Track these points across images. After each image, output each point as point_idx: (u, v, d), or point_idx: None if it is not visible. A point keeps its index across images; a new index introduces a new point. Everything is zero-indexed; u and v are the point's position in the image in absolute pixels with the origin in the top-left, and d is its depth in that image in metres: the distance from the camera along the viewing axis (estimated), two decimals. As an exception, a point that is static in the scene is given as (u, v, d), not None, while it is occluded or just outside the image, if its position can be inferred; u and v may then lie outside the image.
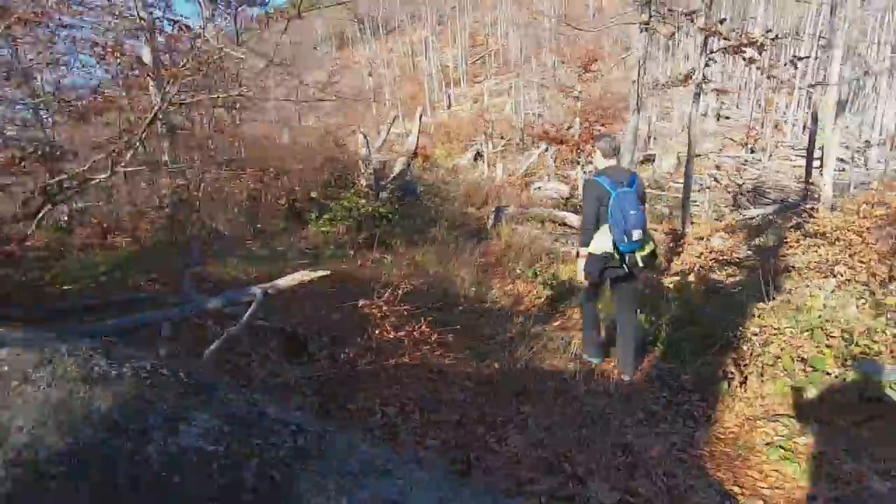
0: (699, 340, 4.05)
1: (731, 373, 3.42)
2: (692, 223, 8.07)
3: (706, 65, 7.33)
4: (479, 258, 7.12)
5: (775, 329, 3.89)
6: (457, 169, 25.30)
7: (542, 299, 5.57)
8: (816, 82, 13.50)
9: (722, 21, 6.81)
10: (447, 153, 27.71)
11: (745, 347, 3.78)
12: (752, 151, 29.56)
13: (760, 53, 6.96)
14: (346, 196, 7.40)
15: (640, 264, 3.55)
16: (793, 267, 7.35)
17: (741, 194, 18.17)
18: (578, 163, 11.22)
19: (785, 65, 8.21)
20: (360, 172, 7.76)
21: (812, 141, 15.59)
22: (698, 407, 3.17)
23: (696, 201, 20.45)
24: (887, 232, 7.43)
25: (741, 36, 6.91)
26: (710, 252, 7.60)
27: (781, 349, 3.60)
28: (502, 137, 28.92)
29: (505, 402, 2.98)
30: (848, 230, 6.27)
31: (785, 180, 23.80)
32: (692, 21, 6.79)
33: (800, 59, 8.11)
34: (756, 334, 3.89)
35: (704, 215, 15.28)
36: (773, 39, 6.89)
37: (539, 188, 18.25)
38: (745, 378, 3.46)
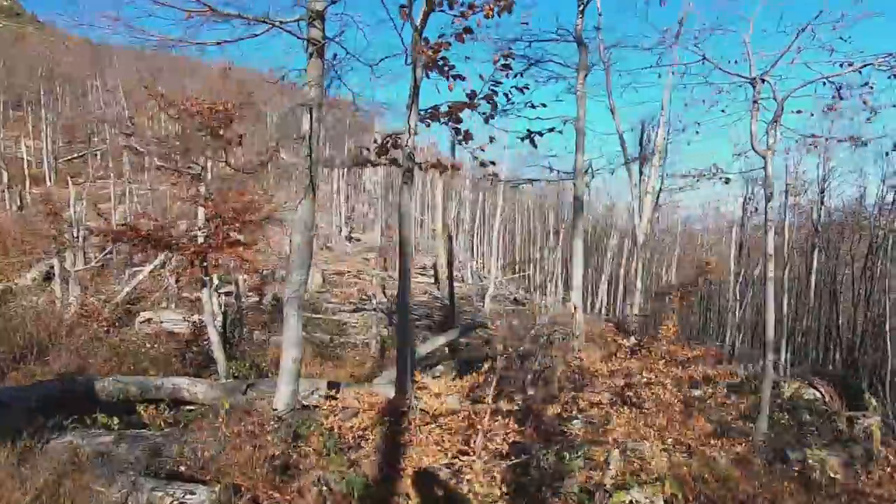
0: None
1: None
2: (414, 383, 4.44)
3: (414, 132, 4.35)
4: None
5: None
6: (13, 292, 15.54)
7: None
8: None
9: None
10: (-5, 270, 17.26)
11: None
12: (386, 269, 30.64)
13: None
14: None
15: None
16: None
17: (392, 312, 16.56)
18: (206, 281, 6.35)
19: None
20: None
21: (451, 262, 15.76)
22: None
23: (354, 324, 17.95)
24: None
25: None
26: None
27: None
28: (103, 249, 20.41)
29: None
30: (660, 385, 3.90)
31: (419, 295, 24.71)
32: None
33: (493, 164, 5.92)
34: None
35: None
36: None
37: (149, 321, 11.86)
38: None
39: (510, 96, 4.40)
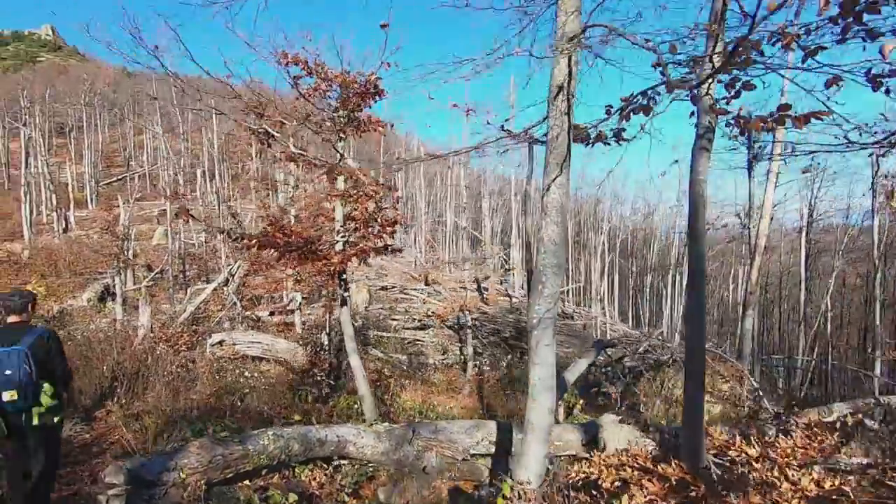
0: None
1: None
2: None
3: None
4: None
5: None
6: (69, 314, 14.51)
7: None
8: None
9: None
10: (49, 291, 16.33)
11: None
12: (427, 284, 29.18)
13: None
14: None
15: (36, 422, 3.19)
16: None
17: (477, 327, 15.09)
18: (345, 298, 4.94)
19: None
20: None
21: (530, 270, 14.33)
22: None
23: (422, 341, 16.45)
24: None
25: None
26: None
27: None
28: (150, 268, 19.41)
29: None
30: None
31: (472, 311, 23.13)
32: None
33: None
34: None
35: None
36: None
37: (220, 343, 10.56)
38: None
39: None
